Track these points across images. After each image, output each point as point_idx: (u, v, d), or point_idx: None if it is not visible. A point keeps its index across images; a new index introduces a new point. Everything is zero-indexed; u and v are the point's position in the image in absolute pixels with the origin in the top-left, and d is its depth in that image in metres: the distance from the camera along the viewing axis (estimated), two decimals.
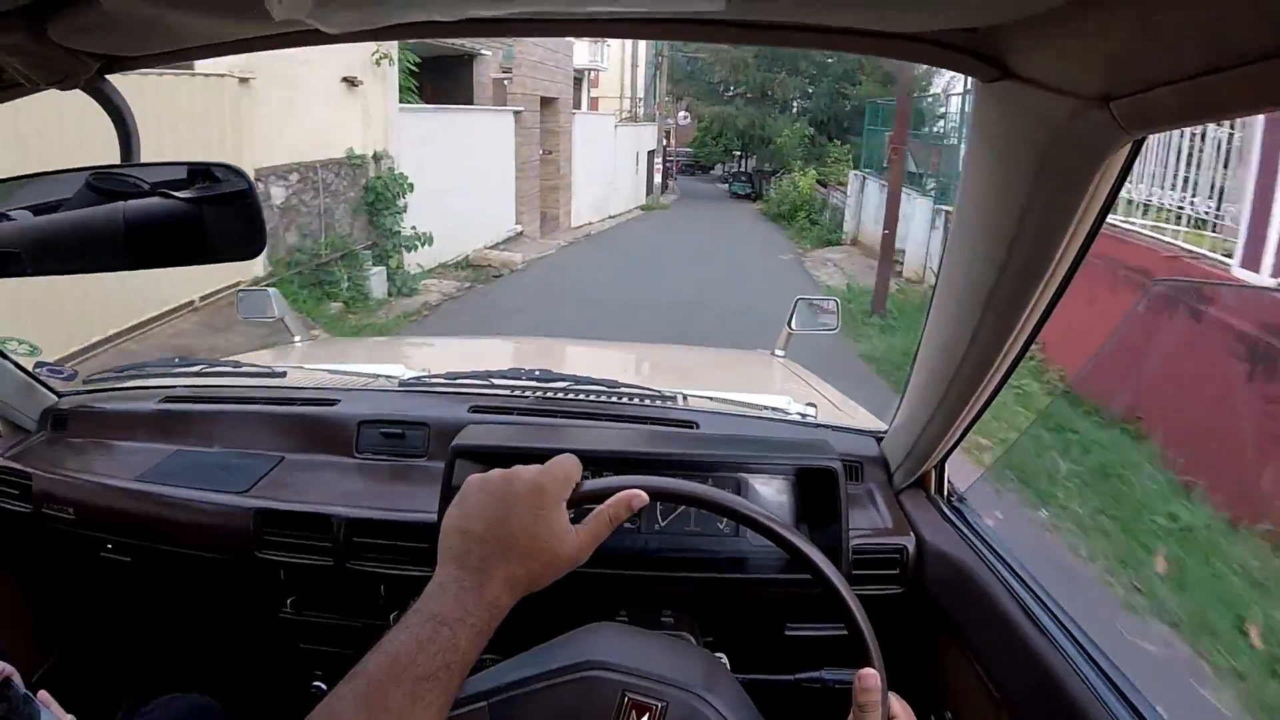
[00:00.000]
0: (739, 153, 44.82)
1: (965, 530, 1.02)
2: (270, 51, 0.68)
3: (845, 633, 0.73)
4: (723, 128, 45.17)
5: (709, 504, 0.72)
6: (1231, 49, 0.38)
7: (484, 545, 0.60)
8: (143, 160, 0.83)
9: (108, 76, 0.70)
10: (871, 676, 0.62)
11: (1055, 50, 0.51)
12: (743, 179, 35.18)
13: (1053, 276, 0.68)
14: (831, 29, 0.55)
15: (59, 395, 1.23)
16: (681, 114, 49.87)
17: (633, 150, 17.35)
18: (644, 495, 0.60)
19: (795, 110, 27.97)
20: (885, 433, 1.14)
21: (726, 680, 0.67)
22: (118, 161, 0.81)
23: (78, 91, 0.69)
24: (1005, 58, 0.55)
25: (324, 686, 1.01)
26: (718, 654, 0.80)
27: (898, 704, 0.65)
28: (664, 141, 33.19)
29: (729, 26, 0.58)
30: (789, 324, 2.02)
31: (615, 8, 0.53)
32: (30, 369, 1.19)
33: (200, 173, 0.83)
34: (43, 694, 0.76)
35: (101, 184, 0.83)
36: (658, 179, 22.33)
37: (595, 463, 0.89)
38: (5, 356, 1.13)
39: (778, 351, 2.09)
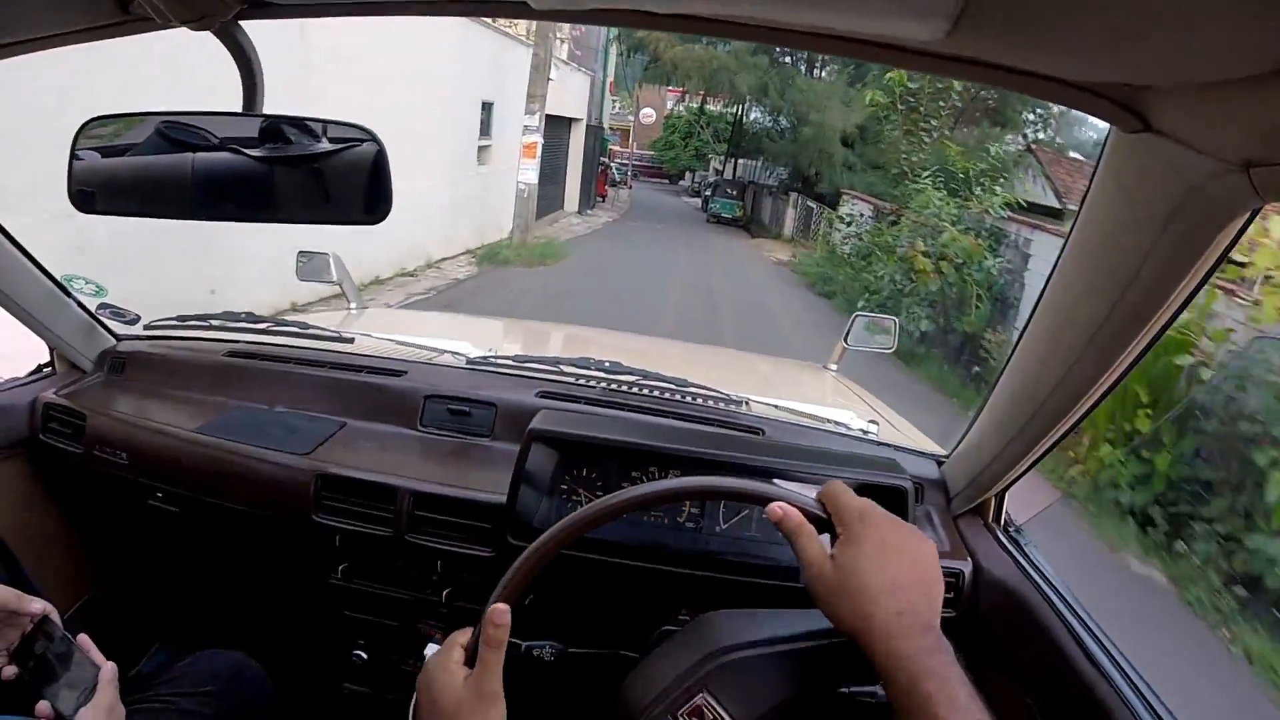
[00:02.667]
0: (723, 155, 39.13)
1: (1022, 560, 1.07)
2: None
3: None
4: (692, 122, 38.94)
5: (636, 505, 0.76)
6: None
7: None
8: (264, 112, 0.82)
9: (242, 23, 0.71)
10: (774, 508, 0.69)
11: (1202, 111, 0.53)
12: (729, 193, 27.39)
13: (1155, 323, 0.71)
14: (1005, 68, 0.59)
15: (118, 339, 1.31)
16: (645, 110, 46.49)
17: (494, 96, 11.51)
18: (500, 607, 0.66)
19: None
20: (946, 456, 1.23)
21: (725, 619, 0.72)
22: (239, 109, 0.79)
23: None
24: (1148, 112, 0.57)
25: (364, 656, 1.11)
26: None
27: (834, 487, 0.71)
28: (605, 134, 30.76)
29: (935, 58, 0.60)
30: (845, 339, 2.03)
31: (835, 24, 0.56)
32: (93, 309, 1.23)
33: (278, 130, 0.85)
34: (82, 637, 0.82)
35: (172, 134, 0.86)
36: (575, 188, 19.87)
37: (664, 461, 1.01)
38: (69, 294, 1.20)
39: (831, 366, 2.12)
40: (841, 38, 0.59)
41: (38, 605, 0.82)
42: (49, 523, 1.33)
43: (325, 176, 0.85)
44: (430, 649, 0.86)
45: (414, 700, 0.66)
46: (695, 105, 52.07)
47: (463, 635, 0.68)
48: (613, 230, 17.34)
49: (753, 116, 25.40)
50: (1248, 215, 0.58)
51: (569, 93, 15.92)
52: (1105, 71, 0.54)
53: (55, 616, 0.83)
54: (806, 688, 0.68)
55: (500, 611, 0.64)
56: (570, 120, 17.89)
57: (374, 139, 0.82)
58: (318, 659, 1.23)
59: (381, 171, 0.82)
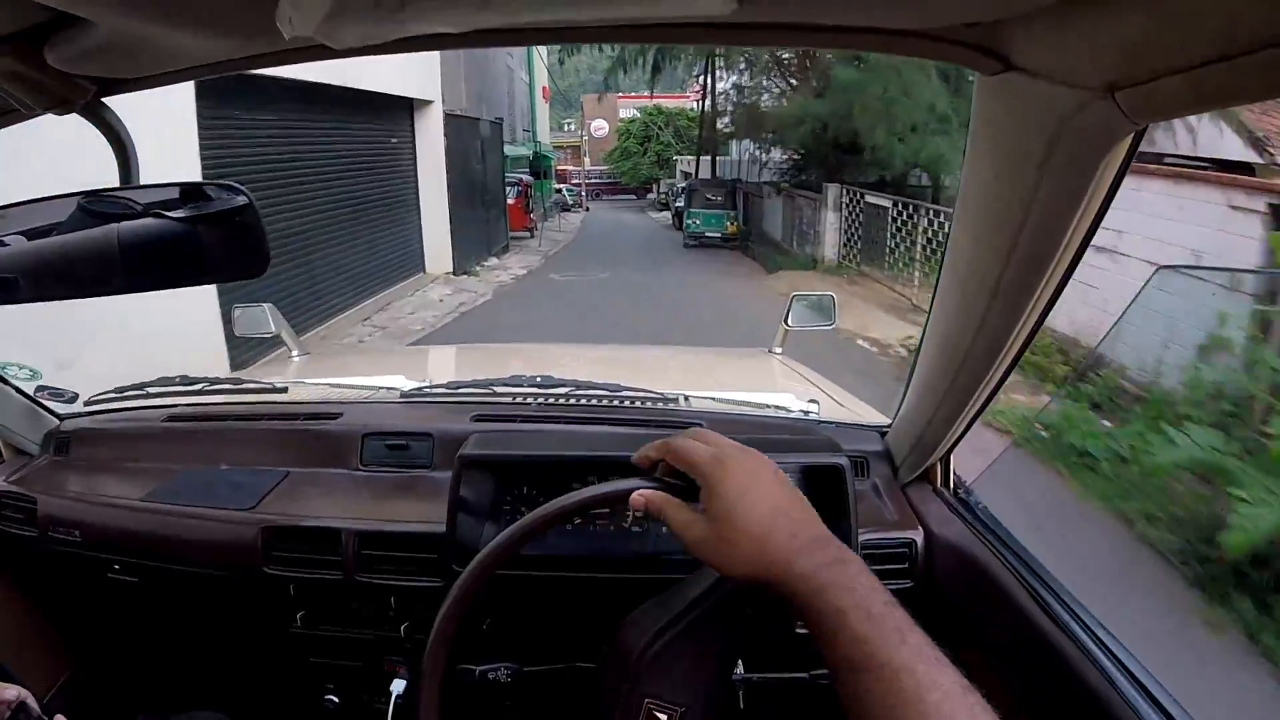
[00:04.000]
0: (693, 155, 31.51)
1: (974, 522, 1.13)
2: None
3: None
4: (648, 123, 36.28)
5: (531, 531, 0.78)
6: (1241, 37, 0.41)
7: None
8: (141, 183, 0.90)
9: (105, 100, 0.78)
10: (634, 498, 0.69)
11: (1059, 42, 0.54)
12: (712, 199, 20.07)
13: (1058, 265, 0.74)
14: (836, 27, 0.60)
15: (60, 418, 1.38)
16: (596, 123, 43.09)
17: None
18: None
19: None
20: (888, 427, 1.31)
21: (629, 625, 0.75)
22: (115, 185, 0.89)
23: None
24: (1007, 50, 0.59)
25: (335, 700, 1.18)
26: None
27: (676, 443, 0.70)
28: (541, 150, 29.32)
29: (736, 29, 0.62)
30: (785, 321, 2.13)
31: (622, 13, 0.58)
32: (31, 393, 1.34)
33: (194, 192, 0.91)
34: (59, 718, 0.87)
35: (94, 206, 0.90)
36: (440, 232, 12.56)
37: (602, 468, 1.05)
38: (5, 381, 1.27)
39: (775, 349, 2.22)
40: (635, 25, 0.62)
41: (12, 692, 0.86)
42: (14, 609, 1.38)
43: (230, 233, 0.90)
44: (397, 685, 1.04)
45: None
46: (649, 106, 44.02)
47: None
48: (516, 296, 11.52)
49: (728, 84, 20.30)
50: (1128, 142, 0.60)
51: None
52: (952, 13, 0.55)
53: (31, 701, 0.87)
54: (731, 639, 0.72)
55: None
56: (408, 104, 11.36)
57: (246, 195, 0.88)
58: (292, 709, 1.27)
59: (261, 227, 0.89)
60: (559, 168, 56.12)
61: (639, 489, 0.67)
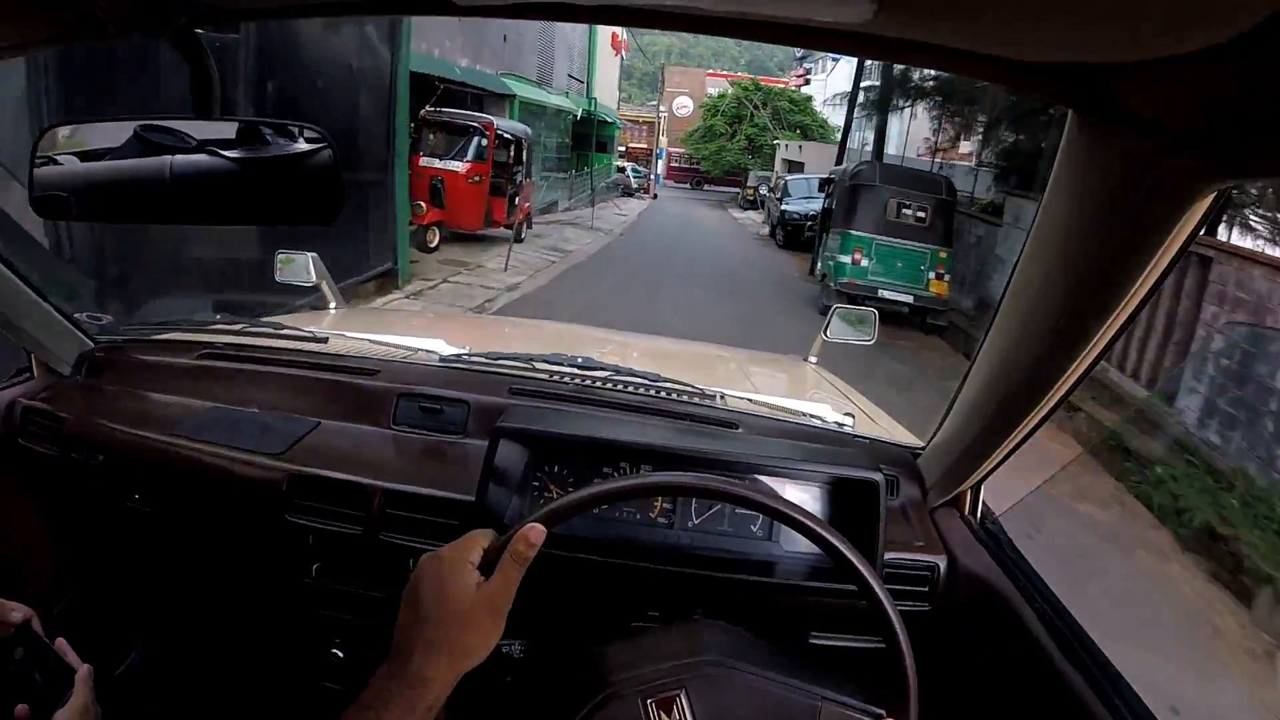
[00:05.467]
0: (793, 142, 29.88)
1: (999, 554, 1.17)
2: None
3: (869, 646, 0.93)
4: (742, 100, 32.91)
5: (737, 499, 0.83)
6: None
7: (403, 630, 0.73)
8: (219, 116, 0.95)
9: (198, 30, 0.82)
10: None
11: (1158, 90, 0.57)
12: (908, 214, 10.02)
13: (1121, 311, 0.77)
14: (955, 51, 0.64)
15: (96, 342, 1.47)
16: (679, 100, 39.10)
17: None
18: (539, 528, 0.75)
19: None
20: (922, 449, 1.35)
21: (738, 637, 0.81)
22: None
23: None
24: (1103, 92, 0.63)
25: (340, 655, 1.24)
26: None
27: None
28: (604, 116, 24.93)
29: (864, 40, 0.65)
30: (824, 332, 2.17)
31: (757, 9, 0.62)
32: (70, 313, 1.43)
33: (256, 132, 0.95)
34: (60, 641, 0.95)
35: (150, 136, 0.93)
36: None
37: (636, 456, 1.12)
38: (45, 299, 1.37)
39: (810, 358, 2.28)
40: (769, 24, 0.66)
41: (18, 614, 0.94)
42: (27, 526, 1.47)
43: (294, 177, 0.95)
44: None
45: (412, 581, 0.75)
46: (745, 82, 38.30)
47: (484, 538, 0.77)
48: None
49: None
50: (1210, 200, 0.63)
51: None
52: (1057, 51, 0.60)
53: (36, 624, 0.95)
54: None
55: (538, 531, 0.74)
56: None
57: (328, 141, 0.93)
58: (295, 657, 1.33)
59: (338, 172, 0.94)
60: (631, 145, 47.84)
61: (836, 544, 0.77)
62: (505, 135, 12.14)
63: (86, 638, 1.00)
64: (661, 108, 41.99)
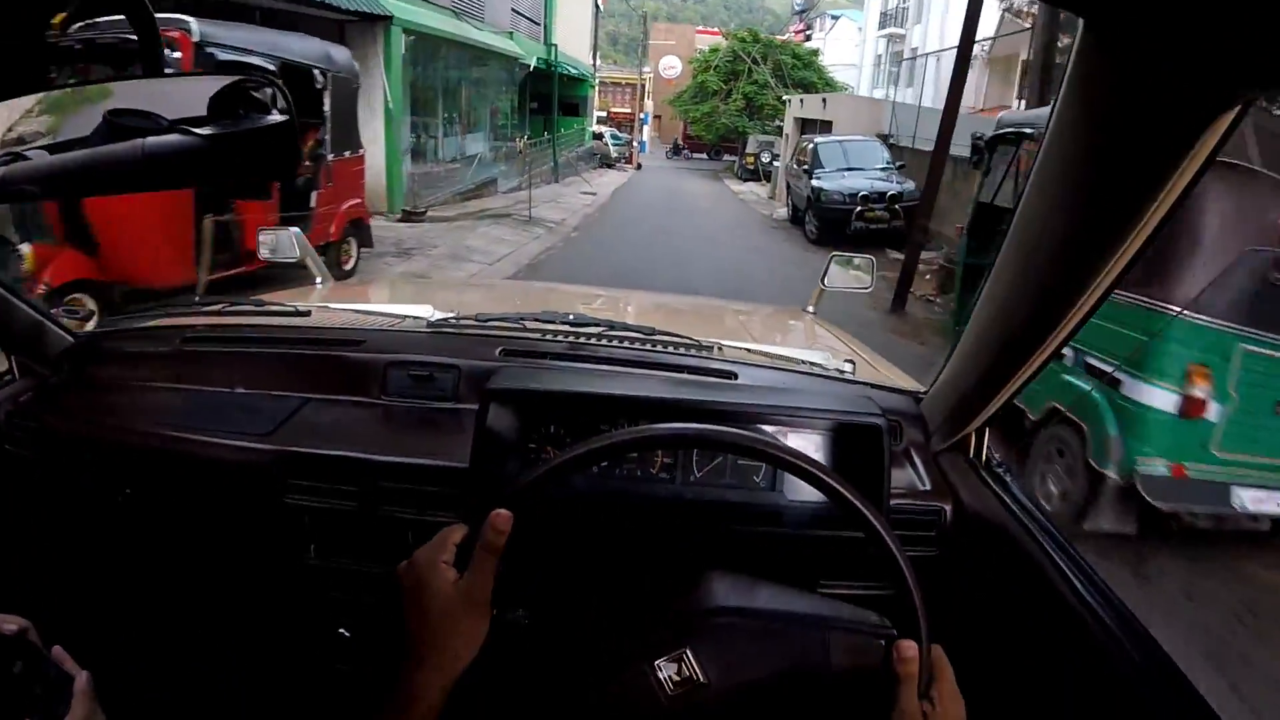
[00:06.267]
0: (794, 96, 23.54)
1: (1006, 496, 1.19)
2: None
3: (877, 592, 0.91)
4: (738, 53, 28.49)
5: (721, 445, 0.89)
6: None
7: (388, 643, 0.76)
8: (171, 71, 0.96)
9: None
10: (909, 647, 0.75)
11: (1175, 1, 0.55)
12: None
13: (1135, 238, 0.74)
14: None
15: (74, 337, 1.48)
16: (666, 60, 36.18)
17: None
18: (504, 513, 0.74)
19: None
20: (925, 393, 1.37)
21: (738, 582, 0.82)
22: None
23: None
24: (1119, 2, 0.60)
25: (347, 634, 1.27)
26: None
27: (941, 657, 0.78)
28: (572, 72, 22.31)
29: None
30: (822, 281, 2.19)
31: None
32: (46, 310, 1.45)
33: (225, 100, 0.94)
34: (56, 649, 0.95)
35: (121, 121, 0.93)
36: None
37: (633, 410, 1.14)
38: (19, 296, 1.38)
39: (809, 309, 2.27)
40: None
41: (12, 626, 0.93)
42: (16, 532, 1.49)
43: (269, 145, 0.94)
44: None
45: (395, 592, 0.79)
46: (740, 30, 33.57)
47: (457, 532, 0.79)
48: None
49: None
50: (1233, 113, 0.61)
51: None
52: None
53: (33, 634, 0.94)
54: (793, 669, 0.79)
55: (502, 517, 0.75)
56: None
57: (279, 87, 0.94)
58: (302, 641, 1.36)
59: (291, 124, 0.95)
60: (614, 110, 42.05)
61: (912, 643, 0.76)
62: (257, 63, 6.23)
63: (84, 644, 1.02)
64: (646, 67, 39.36)
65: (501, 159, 18.75)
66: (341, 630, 1.28)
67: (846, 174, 13.46)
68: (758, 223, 16.63)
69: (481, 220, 12.49)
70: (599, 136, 31.54)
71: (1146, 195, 0.68)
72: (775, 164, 25.06)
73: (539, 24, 21.66)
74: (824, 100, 21.68)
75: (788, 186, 17.05)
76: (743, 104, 33.36)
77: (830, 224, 12.83)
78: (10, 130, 0.89)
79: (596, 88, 36.74)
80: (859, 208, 12.38)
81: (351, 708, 1.26)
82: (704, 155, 38.97)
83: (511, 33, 18.87)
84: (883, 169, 13.80)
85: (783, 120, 28.45)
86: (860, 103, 21.44)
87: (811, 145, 15.02)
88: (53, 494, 1.42)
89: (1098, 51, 0.66)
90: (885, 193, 12.47)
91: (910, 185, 12.51)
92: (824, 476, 0.78)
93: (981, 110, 18.07)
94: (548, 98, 22.31)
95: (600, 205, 17.14)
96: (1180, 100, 0.60)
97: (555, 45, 22.88)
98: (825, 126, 18.79)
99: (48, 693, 0.88)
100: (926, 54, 20.99)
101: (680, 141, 41.98)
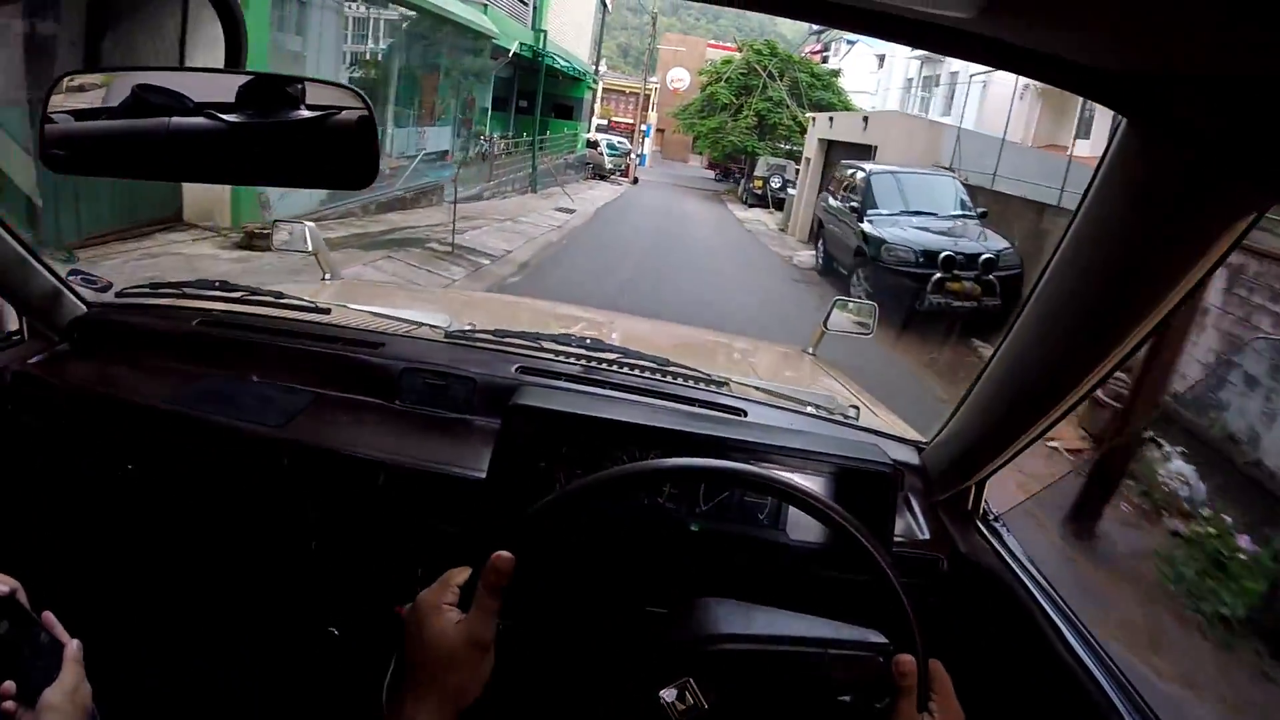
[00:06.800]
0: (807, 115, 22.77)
1: (1001, 550, 1.24)
2: None
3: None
4: (753, 66, 24.51)
5: (735, 479, 0.90)
6: None
7: (393, 682, 0.80)
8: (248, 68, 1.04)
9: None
10: (907, 661, 0.79)
11: (1214, 107, 0.62)
12: None
13: (1151, 318, 0.83)
14: (1020, 49, 0.67)
15: (89, 305, 1.50)
16: (674, 72, 31.99)
17: None
18: (506, 555, 0.76)
19: None
20: (927, 444, 1.41)
21: (732, 609, 0.86)
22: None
23: None
24: (1161, 103, 0.68)
25: (336, 632, 1.30)
26: None
27: (940, 671, 0.85)
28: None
29: (961, 38, 0.67)
30: (824, 324, 2.17)
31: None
32: (62, 275, 1.48)
33: (261, 90, 0.98)
34: (47, 614, 0.98)
35: (148, 96, 0.94)
36: None
37: (648, 440, 1.17)
38: (39, 259, 1.38)
39: (809, 350, 2.29)
40: (872, 13, 0.71)
41: (2, 587, 0.95)
42: (17, 496, 1.52)
43: (305, 141, 0.97)
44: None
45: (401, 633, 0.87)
46: (756, 41, 29.75)
47: (459, 574, 0.81)
48: None
49: None
50: (1254, 215, 0.69)
51: None
52: (1120, 59, 0.64)
53: (22, 595, 0.98)
54: (795, 690, 0.85)
55: (504, 559, 0.77)
56: None
57: (364, 103, 0.96)
58: (291, 634, 1.37)
59: (367, 136, 0.96)
60: (615, 119, 39.01)
61: (910, 657, 0.82)
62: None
63: (75, 612, 1.06)
64: (653, 77, 38.17)
65: (474, 160, 16.63)
66: (331, 629, 1.30)
67: (912, 219, 10.02)
68: (776, 270, 12.91)
69: (378, 248, 8.76)
70: (594, 144, 29.67)
71: (1168, 279, 0.76)
72: (788, 191, 22.48)
73: (526, 3, 19.27)
74: (865, 119, 17.32)
75: (818, 225, 13.62)
76: (754, 121, 31.36)
77: (892, 290, 8.93)
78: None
79: (599, 92, 36.04)
80: (938, 274, 8.63)
81: (339, 707, 1.33)
82: (713, 173, 38.56)
83: (486, 5, 16.23)
84: (958, 215, 10.23)
85: (798, 143, 25.61)
86: (915, 124, 16.87)
87: (863, 175, 11.33)
88: (54, 461, 1.44)
89: (1138, 146, 0.74)
90: (977, 256, 8.72)
91: (1004, 245, 9.21)
92: (826, 509, 0.80)
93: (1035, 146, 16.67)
94: (544, 96, 20.57)
95: (573, 230, 13.52)
96: (1207, 200, 0.68)
97: (545, 32, 20.74)
98: (862, 152, 15.06)
99: (34, 656, 0.89)
100: (971, 76, 18.09)
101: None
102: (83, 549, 1.51)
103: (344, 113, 0.88)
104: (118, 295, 1.63)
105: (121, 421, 1.34)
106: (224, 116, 0.87)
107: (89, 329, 1.49)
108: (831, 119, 20.01)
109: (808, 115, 24.48)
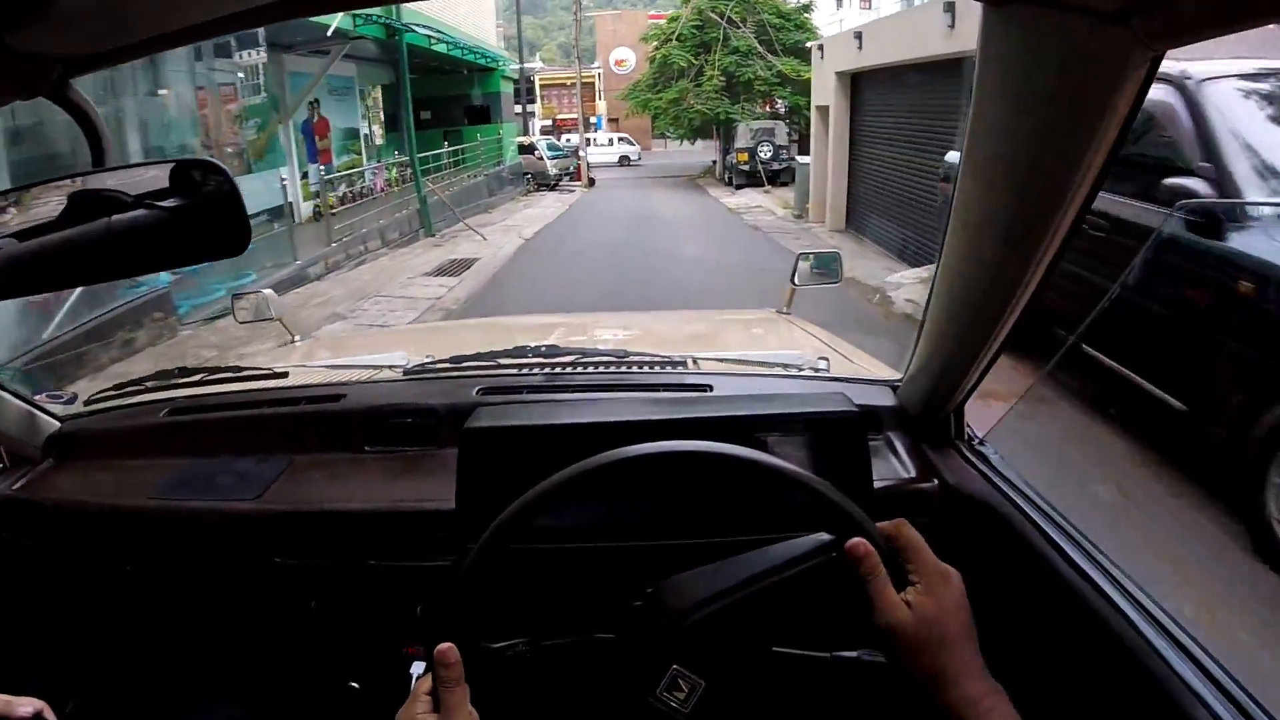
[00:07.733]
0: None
1: (990, 473, 1.33)
2: None
3: (869, 655, 1.02)
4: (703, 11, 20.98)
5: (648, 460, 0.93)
6: None
7: None
8: (114, 165, 0.98)
9: (72, 81, 0.82)
10: (857, 545, 0.83)
11: None
12: None
13: (1071, 204, 0.82)
14: None
15: (61, 420, 1.63)
16: (617, 53, 29.40)
17: None
18: (447, 647, 0.80)
19: None
20: (900, 381, 1.53)
21: (682, 581, 0.92)
22: (90, 168, 0.98)
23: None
24: None
25: (356, 686, 1.40)
26: None
27: (911, 538, 0.88)
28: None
29: None
30: (792, 280, 2.23)
31: None
32: (29, 396, 1.64)
33: (182, 174, 0.97)
34: None
35: (85, 201, 0.93)
36: None
37: (608, 436, 1.17)
38: (4, 388, 1.51)
39: (783, 310, 2.38)
40: None
41: (28, 709, 1.00)
42: (24, 619, 1.64)
43: (218, 213, 0.97)
44: (417, 667, 1.16)
45: None
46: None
47: (425, 682, 0.89)
48: None
49: None
50: (1144, 70, 0.65)
51: None
52: None
53: (49, 714, 1.04)
54: (775, 629, 0.89)
55: (445, 651, 0.86)
56: None
57: (225, 173, 0.96)
58: (313, 698, 1.46)
59: (239, 203, 0.97)
60: (560, 117, 34.04)
61: (857, 540, 0.87)
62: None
63: (103, 716, 1.21)
64: (594, 64, 34.74)
65: (307, 221, 12.14)
66: (352, 684, 1.40)
67: None
68: (871, 317, 7.21)
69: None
70: (529, 149, 25.19)
71: (1076, 157, 0.74)
72: (784, 159, 18.79)
73: None
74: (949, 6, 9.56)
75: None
76: (722, 82, 26.27)
77: None
78: None
79: (537, 89, 34.54)
80: None
81: None
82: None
83: None
84: None
85: (785, 98, 20.29)
86: None
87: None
88: (55, 576, 1.56)
89: (1003, 30, 0.71)
90: None
91: None
92: (745, 457, 0.83)
93: None
94: (448, 101, 17.56)
95: (462, 303, 8.19)
96: (1093, 64, 0.64)
97: (433, 20, 17.15)
98: (945, 79, 8.70)
99: None
100: None
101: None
102: (98, 654, 1.62)
103: (214, 190, 0.87)
104: (85, 403, 1.74)
105: (112, 526, 1.44)
106: (163, 204, 0.81)
107: (65, 444, 1.60)
108: (859, 35, 12.23)
109: (818, 42, 16.93)
